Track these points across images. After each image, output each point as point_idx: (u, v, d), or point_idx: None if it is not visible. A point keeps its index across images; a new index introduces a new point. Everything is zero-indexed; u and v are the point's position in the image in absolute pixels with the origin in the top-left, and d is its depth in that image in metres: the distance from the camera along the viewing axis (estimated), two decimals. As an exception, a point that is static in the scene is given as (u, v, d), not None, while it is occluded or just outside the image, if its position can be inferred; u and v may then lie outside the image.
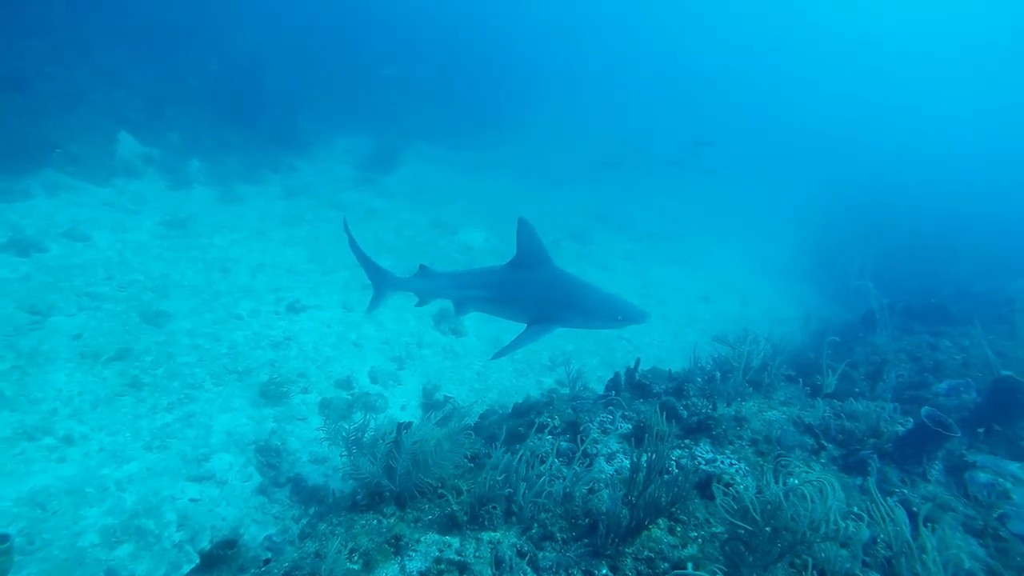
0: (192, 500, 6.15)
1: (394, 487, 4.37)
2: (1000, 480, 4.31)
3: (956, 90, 47.83)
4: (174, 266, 10.66)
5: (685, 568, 3.38)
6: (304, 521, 6.34)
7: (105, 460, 6.39)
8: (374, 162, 19.31)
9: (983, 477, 4.34)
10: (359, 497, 4.55)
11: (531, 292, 5.15)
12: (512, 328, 11.90)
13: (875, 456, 4.38)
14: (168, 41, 18.87)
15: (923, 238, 17.83)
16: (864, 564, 3.51)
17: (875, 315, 8.62)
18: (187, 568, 4.68)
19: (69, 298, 8.89)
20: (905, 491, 4.22)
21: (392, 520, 4.19)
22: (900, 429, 4.88)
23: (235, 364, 8.60)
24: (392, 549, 3.83)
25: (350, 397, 8.64)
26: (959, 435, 4.38)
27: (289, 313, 10.28)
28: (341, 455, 5.23)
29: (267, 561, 4.26)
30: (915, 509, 3.82)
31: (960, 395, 6.01)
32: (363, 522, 4.23)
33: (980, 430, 4.89)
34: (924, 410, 4.40)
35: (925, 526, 3.38)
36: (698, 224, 22.06)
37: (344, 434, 5.34)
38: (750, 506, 3.09)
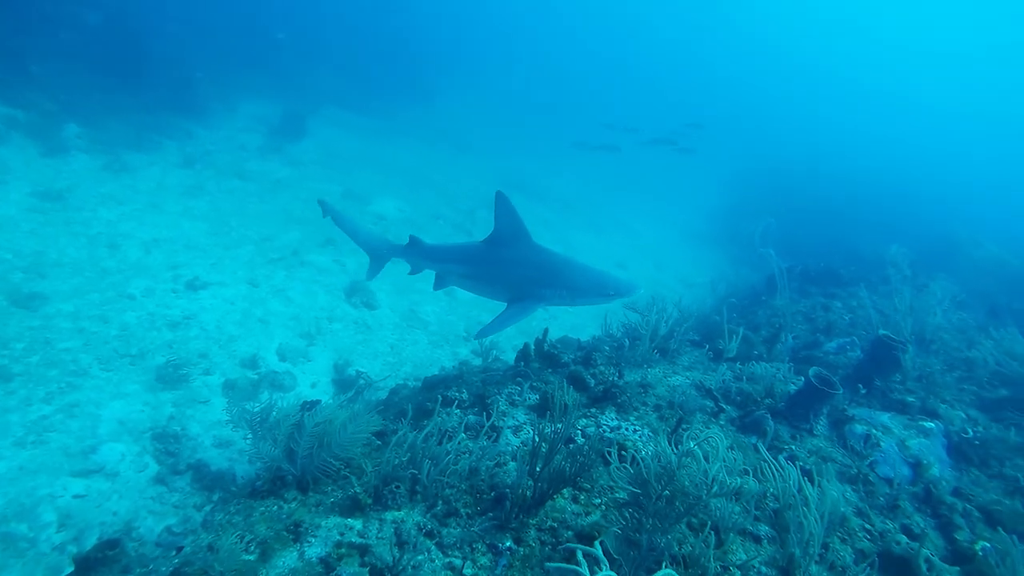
0: (76, 497, 5.66)
1: (295, 471, 4.18)
2: (873, 431, 4.66)
3: (856, 67, 50.74)
4: (51, 243, 9.64)
5: (587, 536, 3.44)
6: (208, 508, 6.01)
7: (-36, 464, 5.75)
8: (281, 129, 18.20)
9: (859, 429, 4.67)
10: (259, 483, 4.33)
11: (512, 271, 4.98)
12: (425, 300, 11.65)
13: (768, 416, 4.61)
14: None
15: (823, 205, 18.95)
16: (755, 519, 3.69)
17: (776, 279, 9.09)
18: (67, 572, 4.29)
19: (-81, 281, 7.88)
20: (793, 447, 4.47)
21: (293, 505, 4.02)
22: (792, 388, 5.16)
23: (127, 347, 7.95)
24: (291, 536, 3.66)
25: (256, 377, 8.22)
26: (842, 392, 4.68)
27: (188, 291, 9.59)
28: (245, 438, 4.96)
29: (180, 549, 3.97)
30: (801, 463, 4.05)
31: (847, 353, 6.44)
32: (263, 509, 4.03)
33: (860, 385, 5.25)
34: (812, 370, 4.66)
35: (810, 480, 3.59)
36: (615, 192, 22.46)
37: (248, 416, 5.08)
38: (644, 471, 3.14)
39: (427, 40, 30.71)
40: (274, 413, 4.68)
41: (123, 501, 5.79)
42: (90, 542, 4.91)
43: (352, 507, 3.83)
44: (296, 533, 3.64)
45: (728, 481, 2.98)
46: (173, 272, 9.92)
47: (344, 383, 8.52)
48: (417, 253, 5.80)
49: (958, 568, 3.88)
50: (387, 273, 11.90)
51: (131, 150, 13.95)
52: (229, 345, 8.68)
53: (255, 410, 4.86)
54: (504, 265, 5.03)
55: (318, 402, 6.31)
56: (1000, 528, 4.15)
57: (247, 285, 10.27)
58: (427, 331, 10.47)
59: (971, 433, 4.98)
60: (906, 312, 6.19)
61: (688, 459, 3.11)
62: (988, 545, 4.00)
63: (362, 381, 8.41)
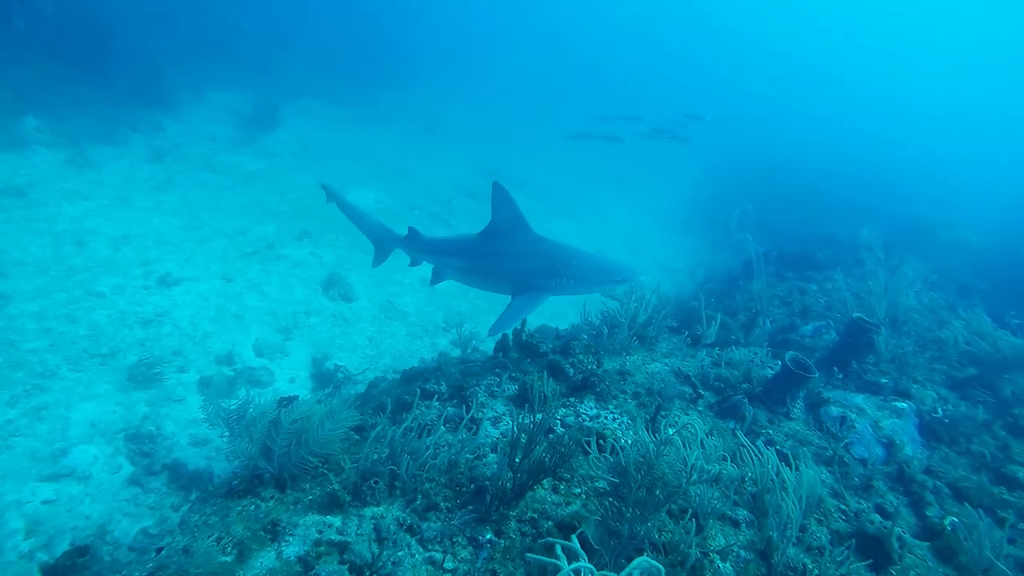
0: (46, 502, 5.51)
1: (273, 469, 4.11)
2: (848, 413, 4.73)
3: (832, 57, 51.10)
4: (13, 241, 9.33)
5: (567, 526, 3.44)
6: (185, 509, 5.91)
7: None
8: (254, 120, 17.81)
9: (835, 411, 4.74)
10: (236, 482, 4.26)
11: (513, 263, 4.84)
12: (403, 292, 11.53)
13: (746, 400, 4.65)
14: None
15: (800, 190, 19.14)
16: (734, 503, 3.72)
17: (753, 264, 9.17)
18: (38, 578, 4.19)
19: None
20: (771, 431, 4.52)
21: (271, 504, 3.96)
22: (769, 373, 5.22)
23: (97, 347, 7.75)
24: (269, 535, 3.61)
25: (233, 373, 8.09)
26: (817, 375, 4.74)
27: (161, 287, 9.38)
28: (222, 436, 4.87)
29: (160, 550, 3.88)
30: (779, 447, 4.10)
31: (822, 335, 6.53)
32: (239, 509, 3.96)
33: (835, 368, 5.33)
34: (788, 355, 4.70)
35: (788, 464, 3.62)
36: (593, 180, 22.43)
37: (224, 414, 4.99)
38: (624, 460, 3.14)
39: (403, 28, 30.33)
40: (251, 410, 4.60)
41: (96, 504, 5.66)
42: (61, 548, 4.79)
43: (331, 504, 3.78)
44: (274, 532, 3.59)
45: (708, 468, 2.99)
46: (144, 268, 9.69)
47: (322, 377, 8.43)
48: (415, 245, 5.65)
49: (928, 543, 3.97)
50: (364, 265, 11.91)
51: (96, 143, 13.54)
52: (204, 342, 8.53)
53: (231, 407, 4.76)
54: (505, 257, 4.89)
55: (295, 398, 6.25)
56: (967, 503, 4.26)
57: (221, 280, 10.08)
58: (406, 322, 10.39)
59: (940, 412, 5.08)
60: (880, 295, 6.28)
61: (667, 447, 3.12)
62: (956, 520, 4.10)
63: (341, 375, 8.33)
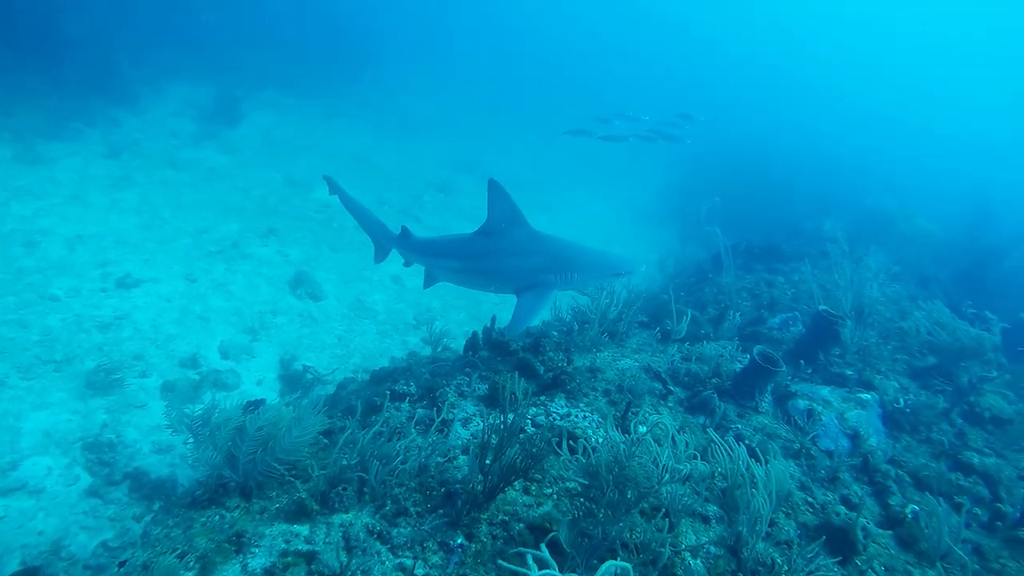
0: (-5, 518, 5.29)
1: (238, 477, 3.99)
2: (815, 406, 4.81)
3: (799, 51, 51.89)
4: (-44, 242, 8.93)
5: (539, 527, 3.42)
6: (148, 519, 5.75)
7: None
8: (216, 114, 17.30)
9: (802, 404, 4.82)
10: (199, 492, 4.13)
11: (514, 261, 4.70)
12: (373, 289, 11.34)
13: (715, 395, 4.69)
14: None
15: (768, 182, 19.41)
16: (704, 500, 3.74)
17: (722, 257, 9.26)
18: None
19: None
20: (739, 425, 4.57)
21: (236, 513, 3.85)
22: (738, 367, 5.27)
23: (51, 353, 7.46)
24: (234, 547, 3.50)
25: (197, 377, 7.88)
26: (784, 369, 4.80)
27: (120, 289, 9.07)
28: (186, 442, 4.73)
29: (122, 564, 3.73)
30: (748, 442, 4.13)
31: (789, 328, 6.62)
32: (203, 520, 3.85)
33: (802, 361, 5.41)
34: (756, 349, 4.75)
35: (757, 459, 3.65)
36: (566, 174, 22.41)
37: (188, 420, 4.85)
38: (595, 461, 3.12)
39: (369, 17, 29.78)
40: (216, 415, 4.47)
41: (50, 519, 5.45)
42: (10, 567, 4.59)
43: (298, 512, 3.69)
44: (239, 544, 3.49)
45: (680, 467, 2.99)
46: (102, 270, 9.36)
47: (291, 378, 8.27)
48: (406, 246, 5.44)
49: (891, 532, 4.07)
50: (332, 262, 11.71)
51: (46, 139, 13.00)
52: (167, 345, 8.28)
53: (196, 413, 4.63)
54: (506, 255, 4.75)
55: (262, 402, 6.10)
56: (927, 491, 4.38)
57: (184, 281, 9.80)
58: (375, 320, 10.26)
59: (903, 403, 5.21)
60: (846, 287, 6.39)
61: (639, 448, 3.11)
62: (917, 508, 4.21)
63: (309, 376, 8.18)
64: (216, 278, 10.11)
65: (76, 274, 9.08)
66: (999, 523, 4.26)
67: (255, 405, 5.86)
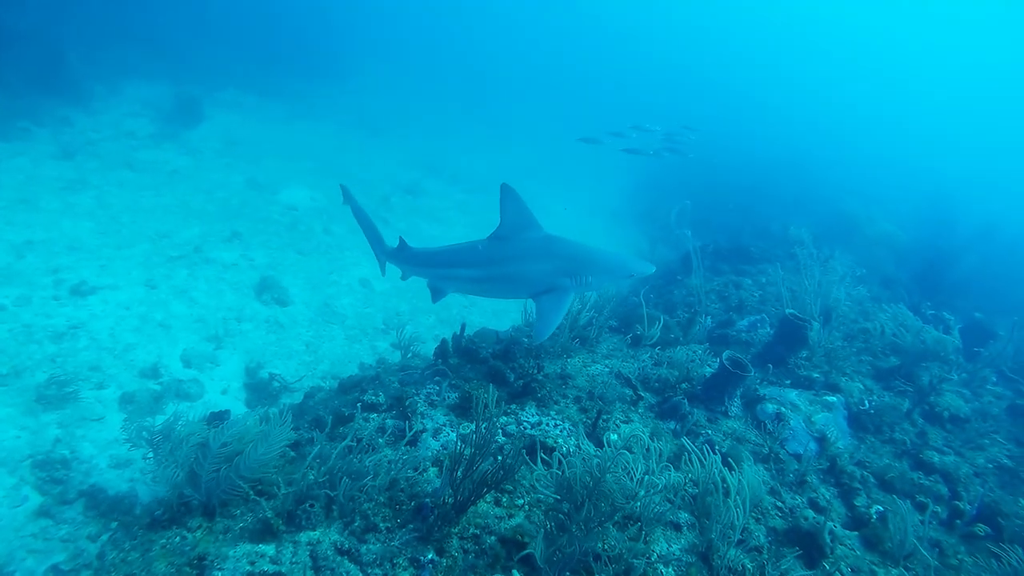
0: (-69, 547, 4.99)
1: (201, 496, 3.84)
2: (783, 409, 4.87)
3: (770, 57, 52.85)
4: None
5: (510, 540, 3.38)
6: (105, 538, 5.51)
7: None
8: (175, 114, 16.78)
9: (770, 408, 4.87)
10: (159, 512, 3.96)
11: (532, 265, 4.62)
12: (341, 293, 11.10)
13: (685, 400, 4.71)
14: None
15: (737, 184, 19.68)
16: (676, 507, 3.74)
17: (691, 259, 9.35)
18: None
19: None
20: (710, 431, 4.60)
21: (198, 534, 3.71)
22: (708, 371, 5.31)
23: (-2, 366, 7.10)
24: (195, 571, 3.39)
25: (159, 387, 7.60)
26: (753, 373, 4.85)
27: (74, 297, 8.69)
28: (145, 458, 4.55)
29: None
30: (719, 447, 4.16)
31: (757, 330, 6.70)
32: (163, 542, 3.70)
33: (770, 365, 5.48)
34: (725, 354, 4.79)
35: (729, 467, 3.67)
36: (534, 174, 22.39)
37: (147, 434, 4.66)
38: (569, 476, 3.09)
39: (335, 18, 29.33)
40: (179, 428, 4.31)
41: (-6, 545, 5.17)
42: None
43: (264, 531, 3.58)
44: (200, 567, 3.37)
45: (656, 482, 2.98)
46: (54, 277, 8.96)
47: (257, 387, 8.04)
48: (405, 258, 5.24)
49: (857, 533, 4.15)
50: (299, 266, 11.47)
51: (-9, 139, 12.43)
52: (126, 354, 7.97)
53: (156, 426, 4.46)
54: (522, 260, 4.66)
55: (227, 412, 5.93)
56: (891, 492, 4.49)
57: (144, 287, 9.45)
58: (344, 325, 10.07)
59: (867, 404, 5.32)
60: (815, 291, 6.48)
61: (614, 463, 3.09)
62: (881, 508, 4.30)
63: (276, 384, 7.98)
64: (178, 284, 9.79)
65: (25, 282, 8.68)
66: (958, 521, 4.38)
67: (220, 417, 5.69)
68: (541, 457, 3.52)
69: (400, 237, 5.34)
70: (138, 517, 4.37)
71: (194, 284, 9.92)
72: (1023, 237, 14.14)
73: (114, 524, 5.65)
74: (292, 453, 4.35)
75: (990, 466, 5.12)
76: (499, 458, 3.63)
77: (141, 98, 17.61)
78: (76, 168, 12.69)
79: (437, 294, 5.02)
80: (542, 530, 3.21)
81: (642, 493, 2.95)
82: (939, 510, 4.52)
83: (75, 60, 16.31)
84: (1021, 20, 50.84)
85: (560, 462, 3.34)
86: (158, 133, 15.87)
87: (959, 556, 4.16)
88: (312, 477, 3.73)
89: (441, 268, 5.01)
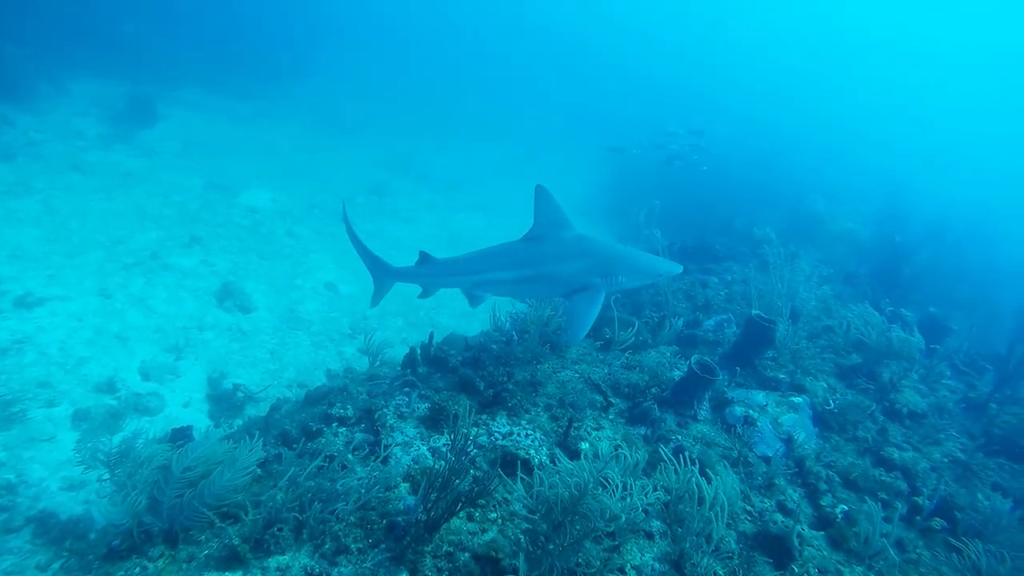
0: None
1: (162, 523, 3.69)
2: (751, 412, 4.95)
3: (741, 56, 53.59)
4: None
5: (484, 556, 3.34)
6: (56, 566, 5.26)
7: None
8: (128, 113, 16.13)
9: (738, 411, 4.94)
10: (116, 542, 3.78)
11: (566, 265, 4.65)
12: (306, 298, 10.86)
13: (655, 406, 4.73)
14: None
15: (704, 181, 19.92)
16: (647, 514, 3.75)
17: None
18: None
19: None
20: (680, 436, 4.63)
21: (160, 563, 3.56)
22: (677, 374, 5.35)
23: (-68, 386, 6.72)
24: (155, 604, 3.24)
25: (116, 402, 7.30)
26: (721, 377, 4.91)
27: (19, 309, 8.28)
28: (101, 479, 4.35)
29: None
30: (689, 452, 4.19)
31: (724, 329, 6.78)
32: (121, 574, 3.53)
33: (737, 367, 5.56)
34: (694, 358, 4.83)
35: (705, 473, 3.69)
36: (504, 174, 22.33)
37: (103, 455, 4.45)
38: (548, 495, 3.07)
39: (299, 16, 28.66)
40: (139, 445, 4.12)
41: (-79, 584, 4.88)
42: None
43: (230, 558, 3.46)
44: (161, 600, 3.23)
45: (636, 504, 2.97)
46: (-4, 288, 8.53)
47: (220, 398, 7.80)
48: (434, 272, 5.12)
49: (823, 533, 4.24)
50: (262, 271, 11.16)
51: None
52: (78, 369, 7.64)
53: (112, 446, 4.26)
54: (558, 260, 4.69)
55: (189, 428, 5.70)
56: (856, 490, 4.60)
57: (98, 297, 9.07)
58: (309, 331, 9.85)
59: (832, 404, 5.45)
60: (783, 292, 6.60)
61: (594, 482, 3.08)
62: (846, 508, 4.41)
63: (240, 394, 7.75)
64: (134, 292, 9.42)
65: (-35, 295, 8.24)
66: (917, 517, 4.52)
67: (182, 433, 5.48)
68: (521, 477, 3.47)
69: (421, 251, 5.20)
70: (93, 544, 4.17)
71: (152, 292, 9.56)
72: (970, 235, 14.77)
73: (65, 553, 5.41)
74: (259, 471, 4.22)
75: (946, 460, 5.31)
76: (472, 472, 3.58)
77: (92, 96, 16.89)
78: (17, 171, 12.08)
79: (475, 300, 4.96)
80: (521, 553, 3.17)
81: (624, 519, 2.94)
82: (899, 505, 4.66)
83: (16, 56, 15.48)
84: (977, 19, 52.93)
85: (537, 477, 3.31)
86: (109, 134, 15.23)
87: (917, 550, 4.30)
88: (280, 499, 3.62)
89: (477, 275, 4.94)
